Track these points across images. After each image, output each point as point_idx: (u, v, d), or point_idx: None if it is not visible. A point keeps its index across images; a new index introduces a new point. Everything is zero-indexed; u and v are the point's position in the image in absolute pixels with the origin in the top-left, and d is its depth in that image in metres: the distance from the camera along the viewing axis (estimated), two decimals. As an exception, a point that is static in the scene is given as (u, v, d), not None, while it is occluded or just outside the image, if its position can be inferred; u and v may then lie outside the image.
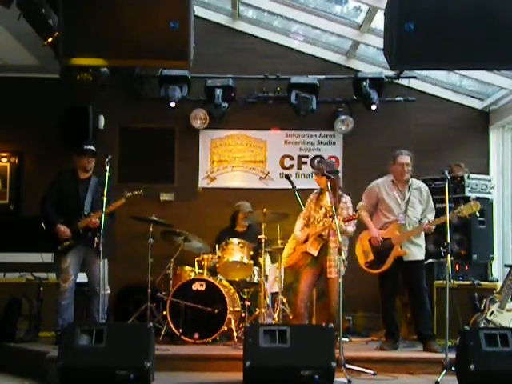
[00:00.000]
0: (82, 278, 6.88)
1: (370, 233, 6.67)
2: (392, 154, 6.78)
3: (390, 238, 6.56)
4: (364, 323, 8.11)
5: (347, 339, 7.08)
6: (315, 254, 6.59)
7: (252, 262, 7.28)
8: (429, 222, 6.50)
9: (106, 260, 6.41)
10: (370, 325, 7.94)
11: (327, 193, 6.45)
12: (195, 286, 6.99)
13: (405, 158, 6.67)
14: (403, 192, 6.67)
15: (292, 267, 6.89)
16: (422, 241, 6.66)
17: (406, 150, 6.77)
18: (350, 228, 6.56)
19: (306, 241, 6.68)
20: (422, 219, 6.62)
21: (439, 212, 6.59)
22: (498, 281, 7.41)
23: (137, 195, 6.77)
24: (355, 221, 6.55)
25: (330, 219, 6.37)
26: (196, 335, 6.79)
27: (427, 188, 6.79)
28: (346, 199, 6.71)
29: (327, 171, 6.45)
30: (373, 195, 6.78)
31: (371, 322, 7.90)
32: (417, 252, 6.60)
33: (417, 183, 6.77)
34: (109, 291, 6.92)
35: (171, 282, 7.18)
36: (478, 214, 6.51)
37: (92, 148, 6.84)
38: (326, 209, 6.64)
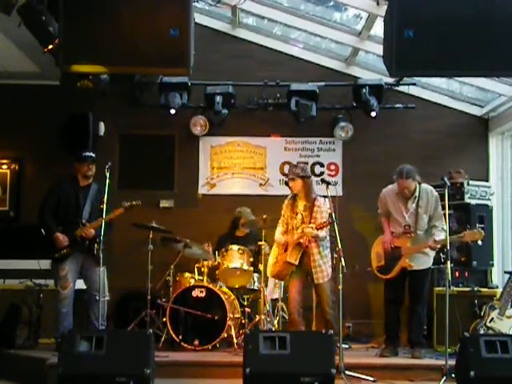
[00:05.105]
0: (81, 284, 6.88)
1: (383, 237, 6.72)
2: (396, 169, 6.59)
3: (400, 247, 6.58)
4: (364, 330, 8.09)
5: (347, 346, 7.07)
6: (296, 263, 6.58)
7: (252, 268, 7.28)
8: (435, 240, 6.39)
9: (104, 267, 6.40)
10: (370, 331, 7.92)
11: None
12: (195, 293, 7.00)
13: (404, 183, 6.51)
14: (408, 204, 6.60)
15: (277, 277, 6.87)
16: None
17: (408, 168, 6.52)
18: (322, 233, 6.50)
19: (286, 250, 6.66)
20: (432, 227, 6.55)
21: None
22: (497, 287, 7.40)
23: (135, 205, 6.74)
24: (328, 226, 6.45)
25: (304, 225, 6.47)
26: (196, 342, 6.80)
27: (435, 193, 6.63)
28: (320, 202, 6.64)
29: (306, 175, 6.65)
30: (383, 204, 6.81)
31: (371, 329, 7.88)
32: (423, 261, 6.59)
33: (424, 190, 6.62)
34: (108, 297, 6.91)
35: (171, 288, 7.20)
36: (480, 243, 6.45)
37: (92, 155, 6.87)
38: (302, 214, 6.65)
